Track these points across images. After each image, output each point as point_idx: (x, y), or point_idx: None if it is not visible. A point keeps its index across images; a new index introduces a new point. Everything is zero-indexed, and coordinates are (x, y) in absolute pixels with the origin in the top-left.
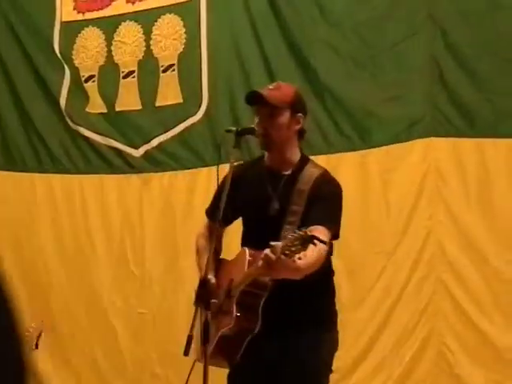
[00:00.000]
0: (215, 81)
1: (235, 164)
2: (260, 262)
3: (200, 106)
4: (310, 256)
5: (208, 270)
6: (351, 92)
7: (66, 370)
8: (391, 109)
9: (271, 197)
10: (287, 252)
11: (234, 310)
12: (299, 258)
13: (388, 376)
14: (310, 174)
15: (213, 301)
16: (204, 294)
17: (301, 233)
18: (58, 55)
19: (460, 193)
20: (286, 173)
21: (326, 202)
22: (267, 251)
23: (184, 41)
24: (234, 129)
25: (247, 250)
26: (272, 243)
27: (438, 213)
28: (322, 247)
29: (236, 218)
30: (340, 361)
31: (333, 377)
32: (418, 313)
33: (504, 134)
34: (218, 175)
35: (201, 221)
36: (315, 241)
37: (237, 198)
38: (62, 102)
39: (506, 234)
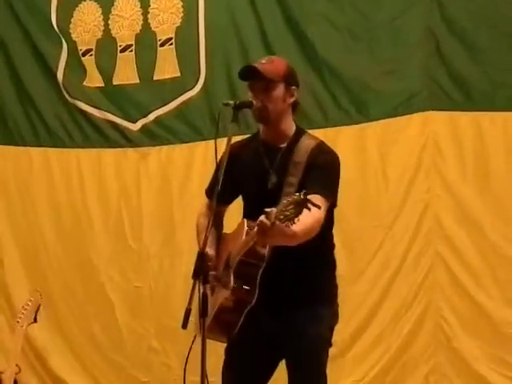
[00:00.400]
0: (213, 55)
1: (231, 143)
2: (255, 229)
3: (198, 80)
4: (305, 221)
5: (206, 243)
6: (349, 66)
7: (63, 343)
8: (389, 82)
9: (268, 170)
10: (281, 217)
11: (232, 281)
12: (293, 223)
13: (386, 349)
14: (306, 145)
15: (212, 273)
16: (202, 267)
17: (294, 197)
18: (56, 29)
19: (457, 166)
20: (282, 146)
21: (322, 172)
22: (262, 217)
23: (181, 14)
24: (231, 102)
25: (245, 221)
26: (266, 210)
27: (436, 186)
28: (317, 214)
29: (236, 197)
30: (338, 334)
31: (331, 351)
32: (416, 286)
33: (501, 107)
34: (215, 149)
35: (198, 195)
36: (309, 205)
37: (235, 175)
38: (60, 75)
39: (502, 207)
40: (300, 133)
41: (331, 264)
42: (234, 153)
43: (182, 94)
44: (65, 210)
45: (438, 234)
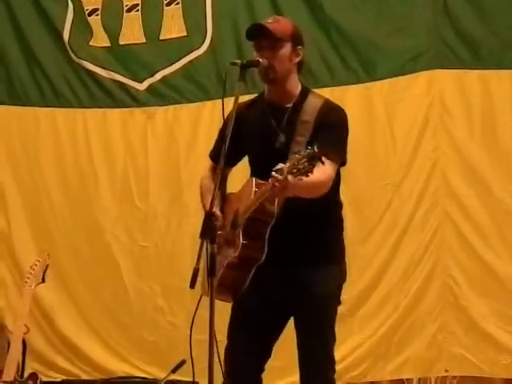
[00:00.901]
0: (219, 14)
1: (240, 102)
2: (267, 185)
3: (204, 40)
4: (316, 176)
5: (213, 204)
6: (356, 25)
7: (70, 303)
8: (396, 41)
9: (276, 130)
10: (294, 171)
11: (241, 237)
12: (307, 176)
13: (394, 308)
14: (313, 104)
15: (219, 232)
16: (210, 226)
17: (308, 151)
18: None
19: (464, 125)
20: (288, 105)
21: (331, 130)
22: (274, 173)
23: None
24: (238, 61)
25: (254, 180)
26: (277, 166)
27: (443, 145)
28: (328, 171)
29: (241, 158)
30: (347, 294)
31: (339, 309)
32: (424, 245)
33: (508, 65)
34: (223, 108)
35: (205, 154)
36: (323, 158)
37: (241, 137)
38: (66, 35)
39: (510, 165)
40: (306, 92)
41: (339, 223)
42: (239, 113)
43: (188, 54)
44: (71, 170)
45: (445, 193)
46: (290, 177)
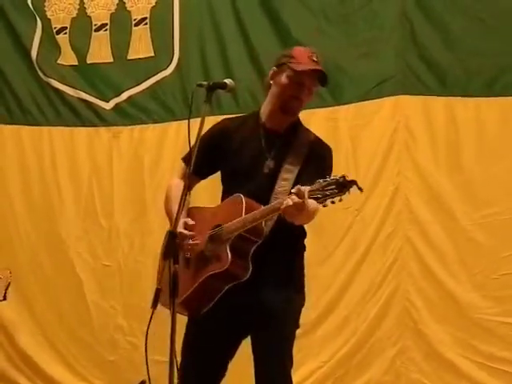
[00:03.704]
0: (187, 35)
1: (228, 117)
2: (276, 204)
3: (171, 60)
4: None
5: (178, 222)
6: (323, 48)
7: (31, 320)
8: (362, 66)
9: (265, 154)
10: (319, 196)
11: (229, 254)
12: (333, 202)
13: (353, 332)
14: (305, 136)
15: (191, 242)
16: (173, 246)
17: (336, 178)
18: (30, 7)
19: (428, 151)
20: (282, 132)
21: (321, 164)
22: (292, 196)
23: None
24: (205, 83)
25: (243, 197)
26: (297, 187)
27: (407, 170)
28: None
29: (212, 173)
30: (305, 316)
31: (298, 332)
32: (385, 269)
33: (474, 93)
34: (188, 130)
35: (169, 174)
36: (355, 186)
37: (219, 152)
38: (34, 53)
39: (473, 192)
40: (298, 123)
41: (302, 250)
42: (228, 127)
43: (155, 74)
44: (36, 187)
45: (407, 218)
46: (309, 201)
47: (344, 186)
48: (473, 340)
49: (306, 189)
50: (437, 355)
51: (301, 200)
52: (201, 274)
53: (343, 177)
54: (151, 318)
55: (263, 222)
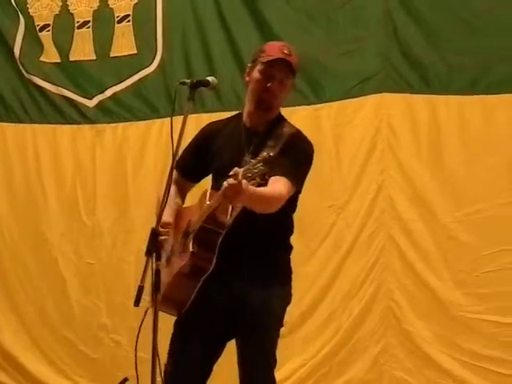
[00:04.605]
0: (170, 32)
1: (214, 121)
2: (220, 191)
3: (154, 58)
4: (271, 189)
5: (160, 221)
6: (306, 47)
7: (14, 318)
8: (345, 64)
9: (243, 151)
10: (249, 175)
11: (191, 246)
12: (261, 180)
13: (336, 330)
14: (283, 132)
15: (169, 241)
16: (155, 243)
17: (263, 155)
18: (13, 4)
19: (411, 149)
20: (262, 130)
21: (295, 157)
22: (229, 179)
23: None
24: (188, 81)
25: (208, 191)
26: (234, 170)
27: (390, 168)
28: (279, 190)
29: (205, 176)
30: (289, 314)
31: (282, 330)
32: (368, 267)
33: (455, 91)
34: (171, 127)
35: (153, 172)
36: (277, 168)
37: (208, 154)
38: (17, 51)
39: (455, 190)
40: (281, 120)
41: (288, 248)
42: (214, 130)
43: (138, 72)
44: (19, 185)
45: (390, 216)
46: (244, 181)
47: (271, 162)
48: (455, 337)
49: (240, 170)
50: (420, 353)
51: (235, 181)
52: (174, 269)
53: (268, 154)
54: (144, 317)
55: (228, 214)
